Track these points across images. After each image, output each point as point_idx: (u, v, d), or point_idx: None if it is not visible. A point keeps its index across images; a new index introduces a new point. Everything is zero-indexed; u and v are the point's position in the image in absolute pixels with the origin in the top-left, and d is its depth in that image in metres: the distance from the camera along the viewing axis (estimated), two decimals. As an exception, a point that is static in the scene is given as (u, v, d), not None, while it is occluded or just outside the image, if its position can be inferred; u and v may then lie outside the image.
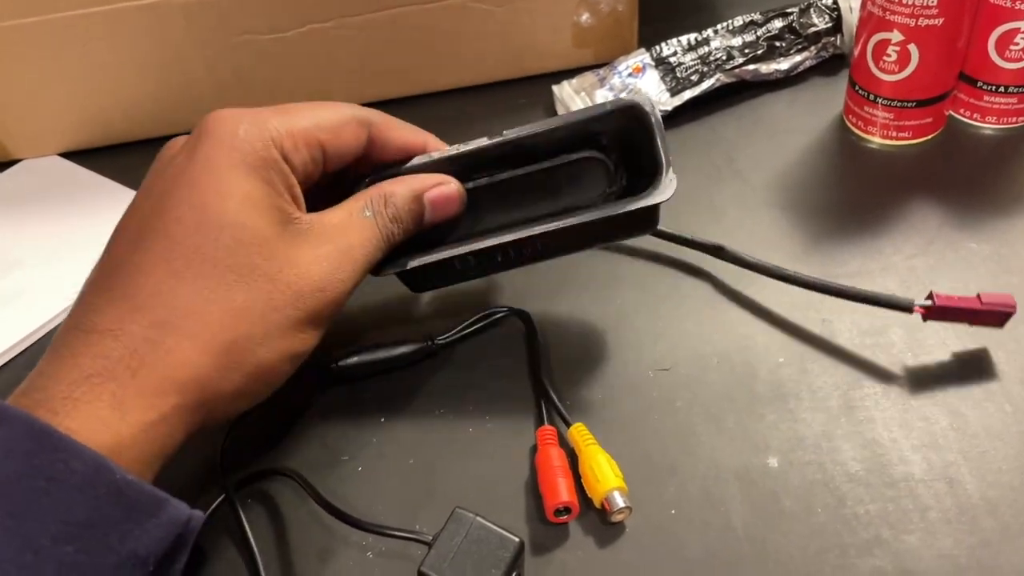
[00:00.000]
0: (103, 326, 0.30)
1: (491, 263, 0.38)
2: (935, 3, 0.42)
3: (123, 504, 0.27)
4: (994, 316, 0.37)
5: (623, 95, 0.50)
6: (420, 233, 0.37)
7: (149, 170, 0.35)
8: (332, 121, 0.35)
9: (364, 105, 0.37)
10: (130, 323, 0.30)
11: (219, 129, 0.33)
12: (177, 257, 0.31)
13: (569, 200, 0.39)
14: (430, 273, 0.38)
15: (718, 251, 0.42)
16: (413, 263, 0.37)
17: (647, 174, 0.37)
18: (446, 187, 0.37)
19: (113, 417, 0.28)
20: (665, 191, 0.35)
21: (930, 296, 0.37)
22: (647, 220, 0.37)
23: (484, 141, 0.38)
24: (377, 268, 0.37)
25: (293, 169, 0.34)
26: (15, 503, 0.25)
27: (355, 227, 0.35)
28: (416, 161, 0.38)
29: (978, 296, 0.37)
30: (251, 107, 0.35)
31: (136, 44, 0.50)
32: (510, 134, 0.38)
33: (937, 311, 0.37)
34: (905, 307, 0.37)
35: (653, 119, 0.36)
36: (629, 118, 0.37)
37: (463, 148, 0.38)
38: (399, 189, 0.36)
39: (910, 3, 0.43)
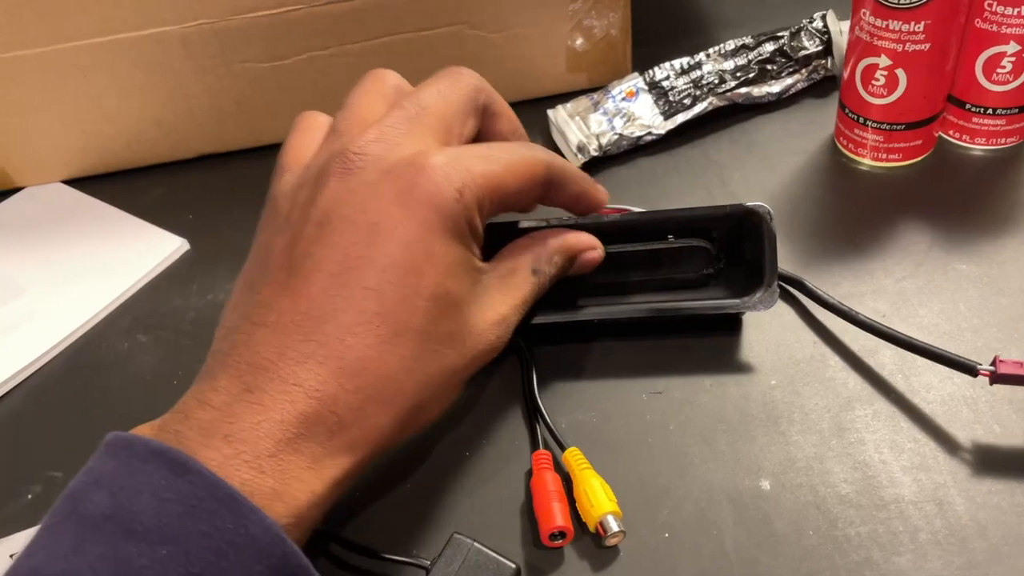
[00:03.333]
0: (309, 384, 0.29)
1: (593, 329, 0.42)
2: (921, 28, 0.43)
3: (287, 575, 0.27)
4: None
5: (617, 120, 0.51)
6: None
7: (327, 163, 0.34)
8: (523, 177, 0.35)
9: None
10: (335, 386, 0.30)
11: (435, 189, 0.32)
12: (386, 324, 0.30)
13: (669, 272, 0.41)
14: (540, 329, 0.40)
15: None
16: (537, 320, 0.39)
17: (746, 263, 0.40)
18: (596, 253, 0.38)
19: (310, 476, 0.29)
20: (767, 302, 0.38)
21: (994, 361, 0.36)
22: (736, 320, 0.41)
23: (601, 218, 0.39)
24: None
25: (481, 221, 0.34)
26: (194, 562, 0.25)
27: (522, 286, 0.36)
28: (531, 222, 0.39)
29: None
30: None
31: (137, 73, 0.51)
32: (627, 217, 0.40)
33: (1001, 377, 0.36)
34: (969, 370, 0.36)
35: (767, 230, 0.38)
36: (746, 221, 0.39)
37: (581, 220, 0.39)
38: (561, 248, 0.37)
39: (897, 29, 0.43)
